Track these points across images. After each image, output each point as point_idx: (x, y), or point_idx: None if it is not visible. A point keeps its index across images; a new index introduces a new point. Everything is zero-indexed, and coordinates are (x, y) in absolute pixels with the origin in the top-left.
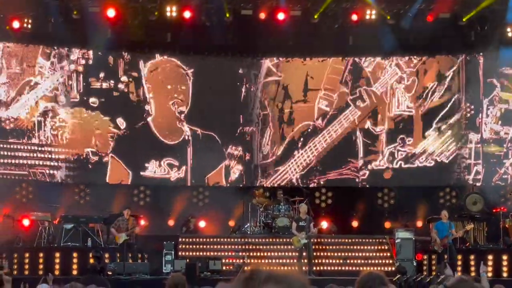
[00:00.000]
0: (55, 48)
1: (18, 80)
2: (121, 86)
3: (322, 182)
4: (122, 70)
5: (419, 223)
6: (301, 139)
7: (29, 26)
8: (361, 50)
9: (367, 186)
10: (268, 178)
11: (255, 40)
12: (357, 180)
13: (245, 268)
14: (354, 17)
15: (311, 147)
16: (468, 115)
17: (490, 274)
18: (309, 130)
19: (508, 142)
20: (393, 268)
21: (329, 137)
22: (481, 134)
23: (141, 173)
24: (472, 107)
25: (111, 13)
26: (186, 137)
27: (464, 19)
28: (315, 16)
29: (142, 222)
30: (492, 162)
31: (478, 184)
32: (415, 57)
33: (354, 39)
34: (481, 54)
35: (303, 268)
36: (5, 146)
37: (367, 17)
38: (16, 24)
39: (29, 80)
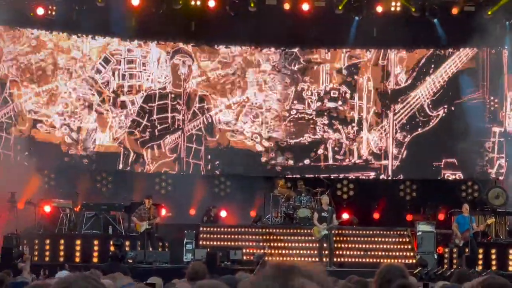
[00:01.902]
0: (79, 35)
1: None
2: None
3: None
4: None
5: (441, 216)
6: None
7: (53, 13)
8: (385, 42)
9: (389, 178)
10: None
11: (279, 31)
12: None
13: (266, 259)
14: (379, 9)
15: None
16: (492, 108)
17: (511, 269)
18: None
19: None
20: (414, 261)
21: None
22: (505, 128)
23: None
24: (496, 100)
25: (135, 1)
26: None
27: (489, 13)
28: (340, 7)
29: (163, 212)
30: None
31: (500, 178)
32: (441, 50)
33: (378, 31)
34: (506, 47)
35: (324, 259)
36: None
37: (392, 8)
38: (40, 11)
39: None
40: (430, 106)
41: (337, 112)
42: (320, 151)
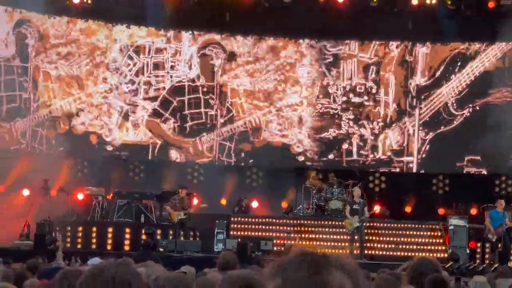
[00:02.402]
0: (114, 24)
1: None
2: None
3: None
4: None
5: (473, 211)
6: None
7: (89, 1)
8: (420, 35)
9: (422, 172)
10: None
11: (314, 22)
12: None
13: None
14: (414, 1)
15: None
16: None
17: None
18: None
19: None
20: (446, 255)
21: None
22: None
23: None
24: None
25: None
26: None
27: None
28: (374, 0)
29: (195, 201)
30: None
31: None
32: (476, 43)
33: (413, 24)
34: None
35: (355, 251)
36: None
37: (427, 1)
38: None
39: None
40: (455, 104)
41: (362, 107)
42: (345, 146)
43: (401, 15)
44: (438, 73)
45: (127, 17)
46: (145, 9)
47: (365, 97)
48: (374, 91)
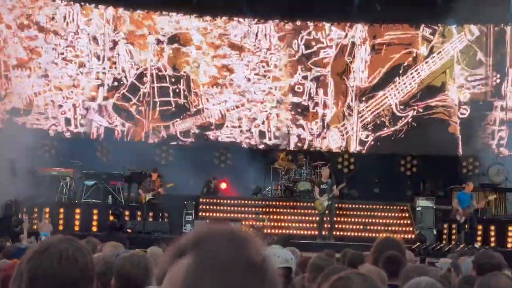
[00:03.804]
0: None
1: None
2: None
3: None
4: None
5: (441, 192)
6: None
7: None
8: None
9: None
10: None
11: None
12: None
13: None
14: None
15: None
16: (494, 83)
17: (510, 246)
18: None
19: None
20: (413, 236)
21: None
22: (506, 102)
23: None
24: (498, 76)
25: None
26: None
27: None
28: None
29: (168, 185)
30: None
31: (501, 148)
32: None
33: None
34: (509, 24)
35: (323, 232)
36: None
37: None
38: None
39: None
40: (398, 106)
41: (300, 108)
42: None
43: None
44: (380, 76)
45: None
46: None
47: (304, 97)
48: (313, 91)
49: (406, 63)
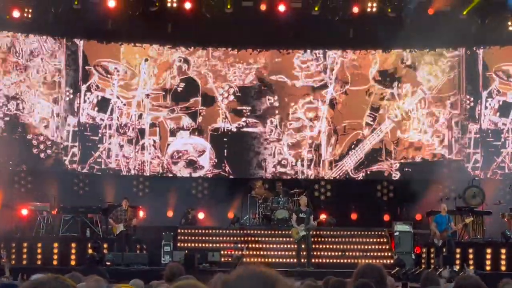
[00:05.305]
0: (56, 38)
1: None
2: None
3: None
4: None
5: (418, 216)
6: None
7: (29, 16)
8: (361, 43)
9: (367, 179)
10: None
11: (255, 32)
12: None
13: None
14: (355, 10)
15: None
16: (468, 107)
17: (488, 268)
18: None
19: (505, 133)
20: (392, 261)
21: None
22: (480, 125)
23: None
24: (472, 99)
25: (111, 3)
26: None
27: (464, 13)
28: (316, 8)
29: (141, 214)
30: (490, 151)
31: (477, 171)
32: (415, 50)
33: (355, 32)
34: (481, 47)
35: (302, 260)
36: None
37: (368, 9)
38: (16, 14)
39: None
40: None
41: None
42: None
43: (342, 24)
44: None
45: (68, 31)
46: (87, 23)
47: None
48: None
49: None
